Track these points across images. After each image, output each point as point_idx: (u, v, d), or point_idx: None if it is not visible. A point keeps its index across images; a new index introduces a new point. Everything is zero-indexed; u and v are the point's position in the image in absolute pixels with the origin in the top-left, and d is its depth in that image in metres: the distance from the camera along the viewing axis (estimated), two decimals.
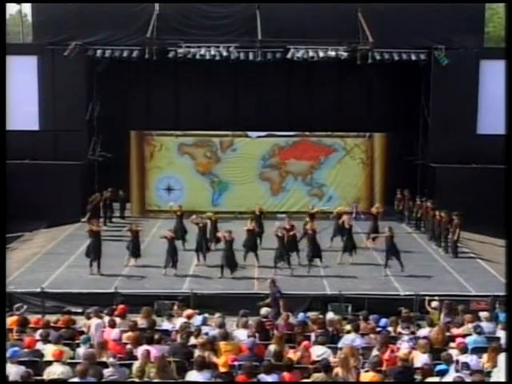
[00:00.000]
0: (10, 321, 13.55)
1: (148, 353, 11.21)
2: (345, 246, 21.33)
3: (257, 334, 13.19)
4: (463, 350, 11.81)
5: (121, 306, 14.68)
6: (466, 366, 10.91)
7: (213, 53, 25.87)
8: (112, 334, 12.80)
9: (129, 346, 12.11)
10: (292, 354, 11.73)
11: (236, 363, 11.45)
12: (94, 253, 20.03)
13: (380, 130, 28.07)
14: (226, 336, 12.35)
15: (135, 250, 20.75)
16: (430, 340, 12.70)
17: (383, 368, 11.37)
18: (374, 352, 11.96)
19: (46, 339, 12.14)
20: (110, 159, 28.10)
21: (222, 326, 13.02)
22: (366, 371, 10.96)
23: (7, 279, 18.27)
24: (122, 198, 27.16)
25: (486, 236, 24.35)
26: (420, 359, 11.74)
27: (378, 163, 27.73)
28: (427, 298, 16.51)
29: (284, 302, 16.09)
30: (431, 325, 13.85)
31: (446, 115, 26.53)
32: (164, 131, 28.02)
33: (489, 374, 11.27)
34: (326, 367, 10.74)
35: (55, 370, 10.82)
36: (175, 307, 15.35)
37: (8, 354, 10.96)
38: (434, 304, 15.75)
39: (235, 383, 10.92)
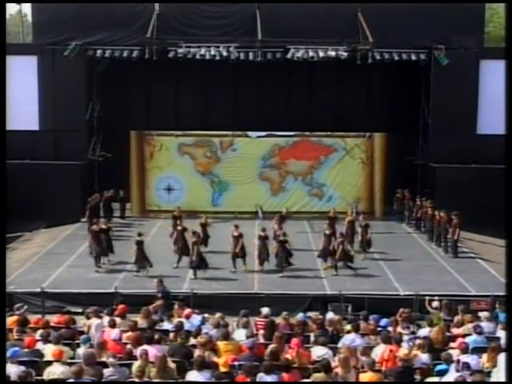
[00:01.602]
0: (10, 321, 13.55)
1: (146, 353, 11.21)
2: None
3: (262, 331, 13.22)
4: (464, 350, 11.80)
5: (121, 306, 14.66)
6: (466, 366, 10.91)
7: (213, 53, 25.87)
8: (112, 334, 12.79)
9: (129, 346, 12.11)
10: (289, 355, 11.72)
11: (236, 363, 11.46)
12: (96, 250, 20.35)
13: (380, 130, 28.07)
14: (226, 336, 12.35)
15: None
16: (430, 340, 12.71)
17: (382, 367, 11.40)
18: (377, 349, 12.00)
19: (46, 339, 12.14)
20: (110, 159, 28.10)
21: (222, 325, 13.06)
22: (364, 371, 10.95)
23: (7, 279, 18.28)
24: (122, 198, 27.15)
25: (486, 236, 24.34)
26: (420, 359, 11.75)
27: (377, 163, 27.73)
28: (427, 298, 16.51)
29: (163, 301, 15.94)
30: (431, 325, 13.85)
31: (445, 115, 26.51)
32: (164, 131, 28.02)
33: (489, 374, 11.27)
34: (326, 367, 10.74)
35: (55, 370, 10.82)
36: (175, 307, 15.33)
37: (8, 354, 10.96)
38: (435, 304, 15.75)
39: (235, 383, 10.92)
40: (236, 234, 20.57)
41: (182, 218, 22.99)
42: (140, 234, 20.41)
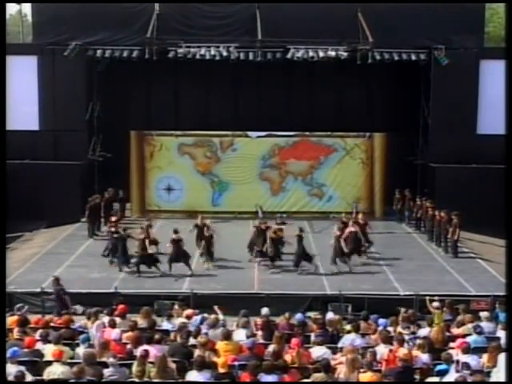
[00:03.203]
0: (10, 321, 13.55)
1: (146, 353, 11.21)
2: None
3: (260, 332, 13.22)
4: (465, 350, 11.78)
5: (121, 306, 14.64)
6: (466, 366, 10.91)
7: (213, 53, 25.85)
8: (113, 334, 12.79)
9: (129, 346, 12.11)
10: (289, 355, 11.71)
11: (236, 363, 11.46)
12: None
13: (380, 130, 28.06)
14: (227, 336, 12.36)
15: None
16: (430, 340, 12.71)
17: (382, 367, 11.41)
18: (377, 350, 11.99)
19: (45, 339, 12.13)
20: (110, 159, 28.08)
21: (215, 325, 13.09)
22: (364, 371, 10.94)
23: (7, 279, 18.28)
24: (122, 198, 27.13)
25: (486, 236, 24.34)
26: (420, 359, 11.75)
27: (377, 163, 27.71)
28: (427, 298, 16.52)
29: (68, 297, 16.18)
30: (431, 325, 13.85)
31: (445, 115, 26.50)
32: (164, 131, 28.00)
33: (489, 374, 11.27)
34: (326, 367, 10.75)
35: (55, 370, 10.83)
36: (175, 307, 15.34)
37: (8, 354, 10.96)
38: (436, 304, 15.77)
39: (235, 383, 10.92)
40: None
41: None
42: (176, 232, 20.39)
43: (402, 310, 14.53)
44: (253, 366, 10.73)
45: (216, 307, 14.55)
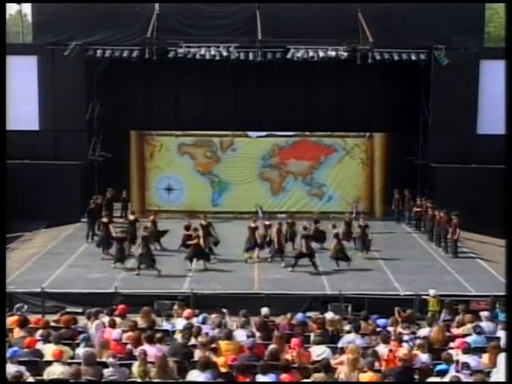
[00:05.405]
0: (10, 321, 13.54)
1: (145, 353, 11.20)
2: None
3: (258, 333, 13.22)
4: (465, 350, 11.77)
5: (121, 306, 14.65)
6: (466, 366, 10.90)
7: (213, 53, 25.86)
8: (113, 334, 12.78)
9: (129, 346, 12.11)
10: (289, 355, 11.71)
11: (236, 363, 11.45)
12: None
13: (380, 130, 28.08)
14: (228, 336, 12.36)
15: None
16: (430, 340, 12.71)
17: (382, 368, 11.41)
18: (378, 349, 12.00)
19: (46, 339, 12.13)
20: (110, 159, 28.10)
21: (220, 325, 13.08)
22: (364, 371, 10.95)
23: (7, 279, 18.26)
24: (125, 198, 27.11)
25: (486, 236, 24.35)
26: (420, 359, 11.75)
27: (378, 163, 27.73)
28: (424, 297, 16.67)
29: None
30: (431, 325, 13.85)
31: (446, 115, 26.50)
32: (164, 131, 28.03)
33: (488, 374, 11.27)
34: (326, 367, 10.75)
35: (55, 370, 10.82)
36: (175, 307, 15.33)
37: (8, 354, 10.96)
38: (433, 291, 15.91)
39: (235, 383, 10.92)
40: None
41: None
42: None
43: (396, 309, 14.48)
44: (243, 366, 10.74)
45: (220, 309, 14.54)
